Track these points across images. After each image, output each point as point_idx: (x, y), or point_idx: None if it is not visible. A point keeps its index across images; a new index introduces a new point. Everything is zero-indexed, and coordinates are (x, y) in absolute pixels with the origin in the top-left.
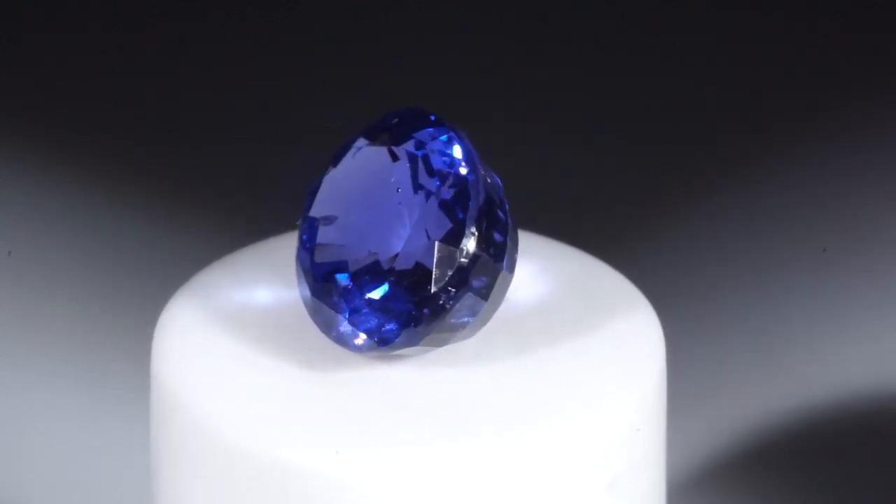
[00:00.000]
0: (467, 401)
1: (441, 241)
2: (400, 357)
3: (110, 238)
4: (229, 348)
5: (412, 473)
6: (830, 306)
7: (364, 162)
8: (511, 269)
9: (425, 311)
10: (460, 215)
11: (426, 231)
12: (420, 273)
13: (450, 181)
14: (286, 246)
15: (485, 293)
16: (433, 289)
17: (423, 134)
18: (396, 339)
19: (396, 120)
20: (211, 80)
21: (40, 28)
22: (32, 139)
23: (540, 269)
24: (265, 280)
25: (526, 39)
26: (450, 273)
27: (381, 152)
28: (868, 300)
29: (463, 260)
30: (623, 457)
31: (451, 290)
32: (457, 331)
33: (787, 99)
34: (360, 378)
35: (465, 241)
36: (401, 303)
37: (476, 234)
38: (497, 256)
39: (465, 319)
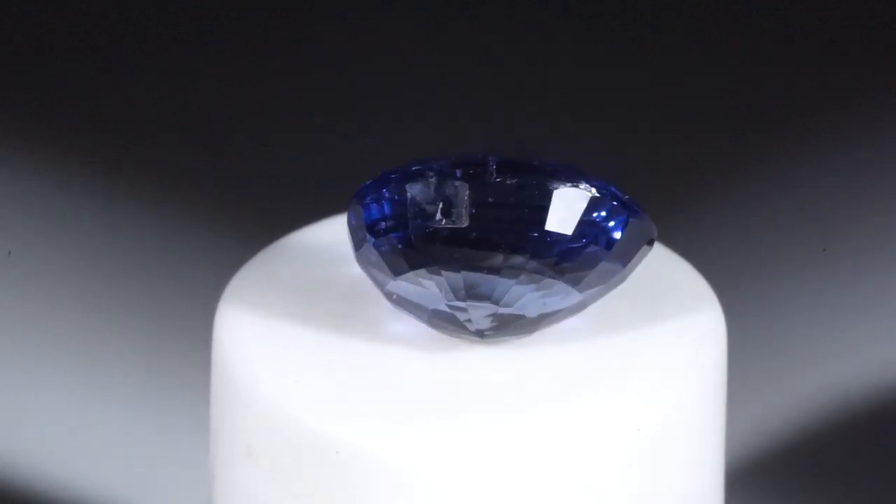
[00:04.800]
0: (527, 384)
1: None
2: (457, 339)
3: (111, 238)
4: (289, 327)
5: (467, 452)
6: (832, 305)
7: None
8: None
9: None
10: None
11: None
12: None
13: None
14: (333, 228)
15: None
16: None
17: None
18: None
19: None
20: (215, 76)
21: (55, 27)
22: (33, 139)
23: None
24: (321, 260)
25: (561, 29)
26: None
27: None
28: (869, 299)
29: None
30: (681, 440)
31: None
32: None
33: (784, 99)
34: (420, 356)
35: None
36: None
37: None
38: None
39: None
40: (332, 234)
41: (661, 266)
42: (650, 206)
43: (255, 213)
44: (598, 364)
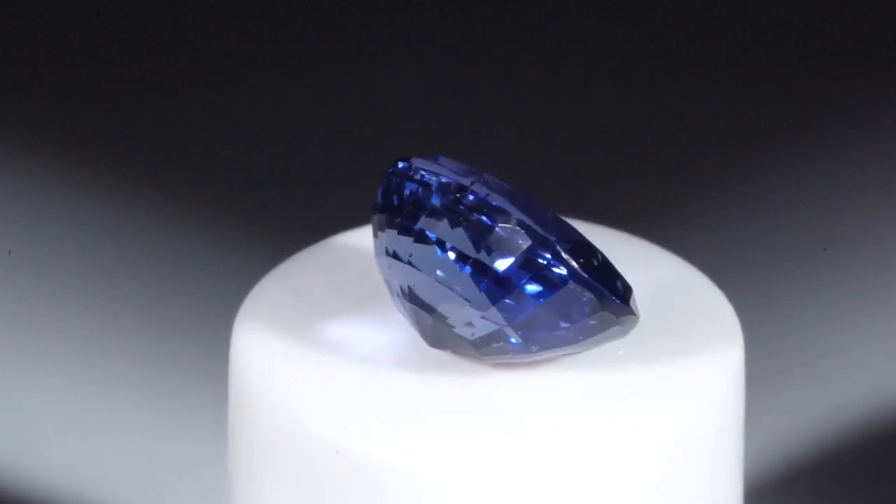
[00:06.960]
0: (540, 398)
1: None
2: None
3: (112, 239)
4: (306, 338)
5: (482, 465)
6: (830, 305)
7: None
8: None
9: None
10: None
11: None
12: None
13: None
14: (355, 240)
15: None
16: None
17: None
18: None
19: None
20: (215, 77)
21: (56, 27)
22: (34, 140)
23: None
24: (342, 272)
25: (561, 36)
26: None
27: None
28: (870, 299)
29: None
30: (703, 452)
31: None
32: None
33: (784, 99)
34: (435, 369)
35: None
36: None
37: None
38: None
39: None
40: (354, 245)
41: (674, 275)
42: (650, 206)
43: (258, 218)
44: (611, 377)
